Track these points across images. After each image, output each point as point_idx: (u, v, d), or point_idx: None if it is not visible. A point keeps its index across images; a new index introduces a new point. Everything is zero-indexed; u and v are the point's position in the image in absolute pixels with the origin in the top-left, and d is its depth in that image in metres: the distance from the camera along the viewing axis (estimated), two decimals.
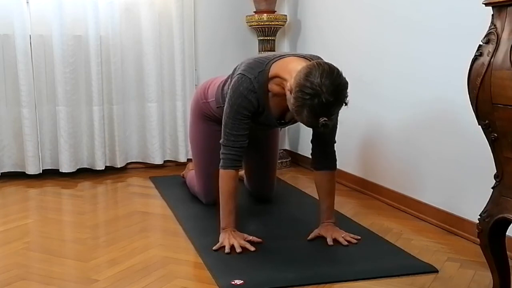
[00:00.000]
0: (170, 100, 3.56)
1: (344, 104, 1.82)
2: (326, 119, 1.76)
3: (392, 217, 2.46)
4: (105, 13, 3.30)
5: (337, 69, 1.82)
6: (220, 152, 2.09)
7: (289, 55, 2.06)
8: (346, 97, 1.82)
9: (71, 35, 3.25)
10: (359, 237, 2.11)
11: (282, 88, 1.97)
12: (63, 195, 2.96)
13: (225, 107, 2.09)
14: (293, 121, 2.20)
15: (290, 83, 1.84)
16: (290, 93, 1.84)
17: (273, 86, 2.02)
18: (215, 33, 3.68)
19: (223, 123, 2.10)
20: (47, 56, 3.25)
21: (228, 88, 2.11)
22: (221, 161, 2.07)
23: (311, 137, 2.18)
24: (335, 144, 2.17)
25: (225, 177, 2.07)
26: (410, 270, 1.83)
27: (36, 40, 3.22)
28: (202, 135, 2.51)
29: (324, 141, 2.15)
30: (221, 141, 2.09)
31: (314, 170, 2.19)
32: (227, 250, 1.97)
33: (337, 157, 2.19)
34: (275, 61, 2.03)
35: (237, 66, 2.15)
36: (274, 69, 2.01)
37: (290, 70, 1.90)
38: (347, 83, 1.82)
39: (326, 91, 1.73)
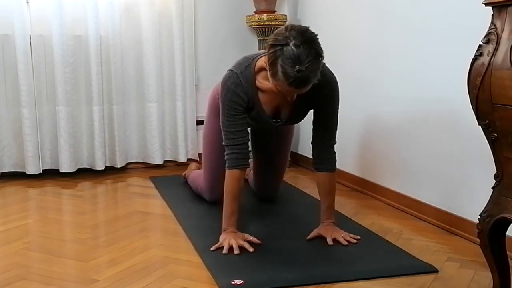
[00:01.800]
0: (170, 100, 3.56)
1: (318, 55, 1.83)
2: (299, 66, 1.77)
3: (392, 217, 2.46)
4: (105, 13, 3.30)
5: (304, 25, 1.88)
6: (224, 153, 2.09)
7: None
8: (320, 47, 1.83)
9: (71, 35, 3.26)
10: (359, 237, 2.11)
11: (269, 81, 1.97)
12: (63, 195, 2.96)
13: (219, 107, 2.11)
14: (289, 120, 2.21)
15: (265, 56, 1.90)
16: (266, 64, 1.88)
17: (261, 82, 2.05)
18: (215, 33, 3.68)
19: (220, 123, 2.11)
20: (47, 56, 3.25)
21: None
22: (226, 161, 2.08)
23: (311, 139, 2.19)
24: (334, 145, 2.18)
25: (229, 178, 2.07)
26: (410, 270, 1.83)
27: (36, 40, 3.22)
28: (215, 132, 2.50)
29: (324, 142, 2.16)
30: (223, 142, 2.10)
31: (315, 171, 2.19)
32: (225, 251, 1.96)
33: (337, 157, 2.19)
34: (262, 56, 2.07)
35: None
36: (259, 63, 2.05)
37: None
38: (315, 34, 1.85)
39: (293, 38, 1.79)
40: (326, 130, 2.15)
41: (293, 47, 1.78)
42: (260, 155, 2.63)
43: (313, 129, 2.17)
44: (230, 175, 2.07)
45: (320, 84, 1.91)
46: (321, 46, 1.84)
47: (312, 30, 1.86)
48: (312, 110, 2.17)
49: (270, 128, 2.30)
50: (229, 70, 2.09)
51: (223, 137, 2.10)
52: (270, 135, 2.54)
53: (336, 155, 2.18)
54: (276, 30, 1.89)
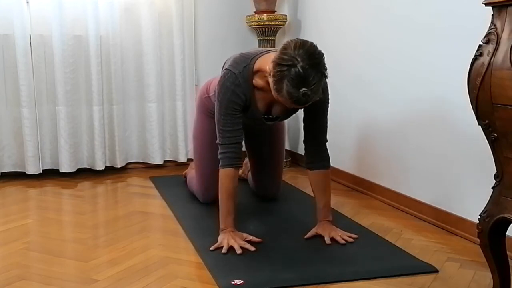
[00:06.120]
0: (170, 100, 3.56)
1: (323, 76, 1.84)
2: (305, 89, 1.78)
3: (392, 217, 2.46)
4: (105, 13, 3.30)
5: (311, 42, 1.86)
6: (218, 152, 2.09)
7: (274, 50, 2.09)
8: (325, 68, 1.85)
9: (71, 35, 3.26)
10: (356, 236, 2.11)
11: (266, 82, 1.99)
12: (63, 195, 2.96)
13: (215, 105, 2.12)
14: (281, 117, 2.23)
15: (269, 67, 1.89)
16: (269, 74, 1.88)
17: (257, 81, 2.07)
18: (215, 33, 3.68)
19: (216, 121, 2.11)
20: (47, 56, 3.25)
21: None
22: (220, 160, 2.08)
23: (303, 138, 2.20)
24: (326, 143, 2.20)
25: (224, 176, 2.07)
26: (410, 270, 1.83)
27: (36, 40, 3.22)
28: (204, 131, 2.51)
29: (316, 141, 2.18)
30: (217, 141, 2.11)
31: (308, 170, 2.20)
32: (224, 251, 1.96)
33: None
34: (260, 56, 2.08)
35: (226, 61, 2.18)
36: (258, 64, 2.06)
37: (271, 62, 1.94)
38: (322, 54, 1.85)
39: (301, 60, 1.78)
40: (318, 129, 2.17)
41: (300, 69, 1.78)
42: (256, 156, 2.65)
43: (304, 129, 2.19)
44: (225, 173, 2.07)
45: None
46: (326, 65, 1.85)
47: (319, 49, 1.85)
48: (302, 109, 2.17)
49: (262, 128, 2.31)
50: (227, 69, 2.09)
51: (217, 135, 2.11)
52: (263, 135, 2.56)
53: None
54: (283, 46, 1.86)
